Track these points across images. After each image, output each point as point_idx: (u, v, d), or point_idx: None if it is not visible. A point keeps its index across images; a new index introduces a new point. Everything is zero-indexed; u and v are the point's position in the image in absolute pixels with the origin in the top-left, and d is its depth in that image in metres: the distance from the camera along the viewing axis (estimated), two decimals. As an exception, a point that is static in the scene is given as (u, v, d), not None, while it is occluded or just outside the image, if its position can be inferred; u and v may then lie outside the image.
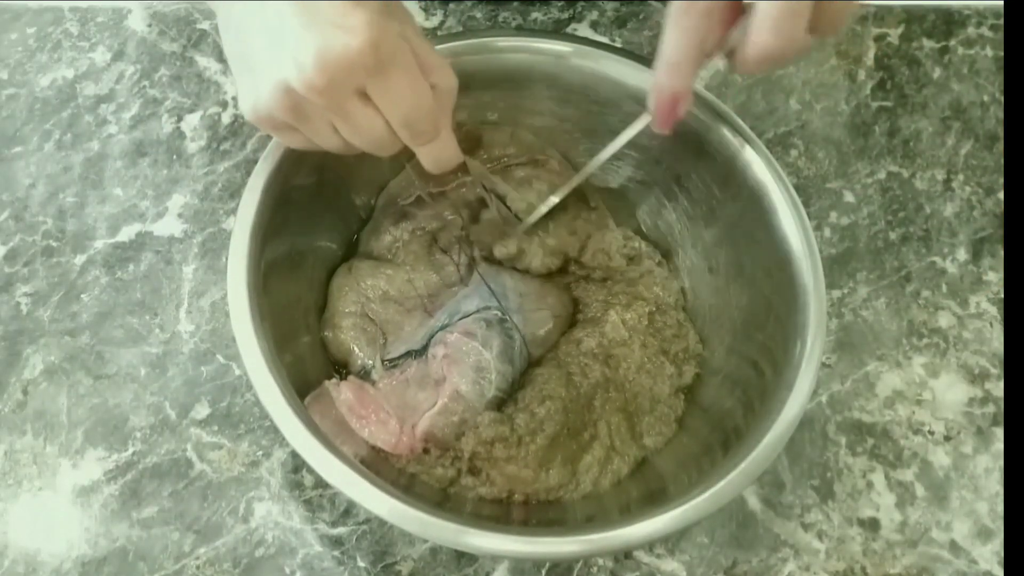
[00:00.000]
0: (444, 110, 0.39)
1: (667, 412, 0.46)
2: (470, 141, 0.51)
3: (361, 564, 0.45)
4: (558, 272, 0.51)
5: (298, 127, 0.36)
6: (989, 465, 0.49)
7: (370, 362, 0.45)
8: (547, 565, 0.46)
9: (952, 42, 0.64)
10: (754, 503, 0.48)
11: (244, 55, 0.36)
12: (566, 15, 0.63)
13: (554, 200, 0.48)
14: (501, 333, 0.45)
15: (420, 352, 0.46)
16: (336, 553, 0.45)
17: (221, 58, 0.60)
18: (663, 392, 0.47)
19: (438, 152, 0.40)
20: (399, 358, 0.46)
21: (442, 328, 0.46)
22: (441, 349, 0.45)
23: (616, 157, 0.51)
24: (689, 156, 0.48)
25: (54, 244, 0.53)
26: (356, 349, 0.46)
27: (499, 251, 0.48)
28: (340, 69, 0.32)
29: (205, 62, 0.60)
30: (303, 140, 0.38)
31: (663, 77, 0.38)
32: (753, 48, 0.33)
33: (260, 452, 0.48)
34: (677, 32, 0.36)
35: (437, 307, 0.48)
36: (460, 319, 0.46)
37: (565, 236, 0.49)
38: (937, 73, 0.63)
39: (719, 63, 0.61)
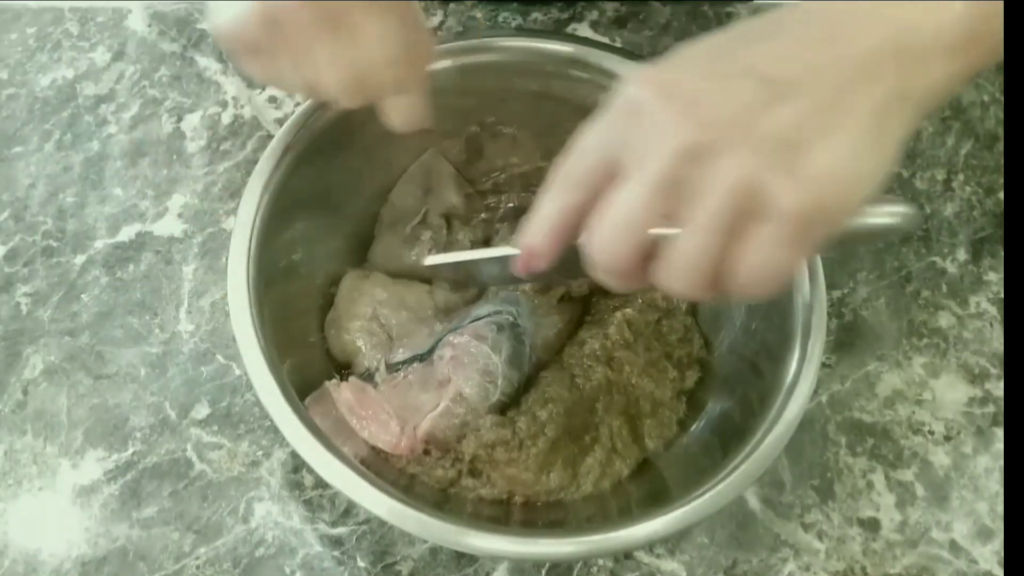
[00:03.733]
0: (417, 64, 0.38)
1: (668, 415, 0.46)
2: (472, 151, 0.51)
3: (361, 564, 0.45)
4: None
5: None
6: (989, 465, 0.49)
7: (375, 365, 0.45)
8: (547, 565, 0.46)
9: (952, 42, 0.64)
10: (754, 503, 0.48)
11: None
12: (566, 15, 0.63)
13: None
14: (512, 338, 0.45)
15: (425, 356, 0.46)
16: (336, 553, 0.45)
17: (221, 58, 0.60)
18: (665, 395, 0.46)
19: (404, 110, 0.38)
20: (403, 362, 0.46)
21: (450, 331, 0.46)
22: (448, 350, 0.45)
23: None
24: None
25: (54, 244, 0.53)
26: (364, 350, 0.46)
27: None
28: (277, 17, 0.33)
29: (205, 62, 0.60)
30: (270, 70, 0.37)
31: (532, 240, 0.32)
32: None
33: (260, 452, 0.48)
34: (555, 203, 0.31)
35: (450, 319, 0.47)
36: (471, 322, 0.46)
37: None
38: (937, 73, 0.63)
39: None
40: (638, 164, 0.28)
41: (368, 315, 0.46)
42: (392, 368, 0.45)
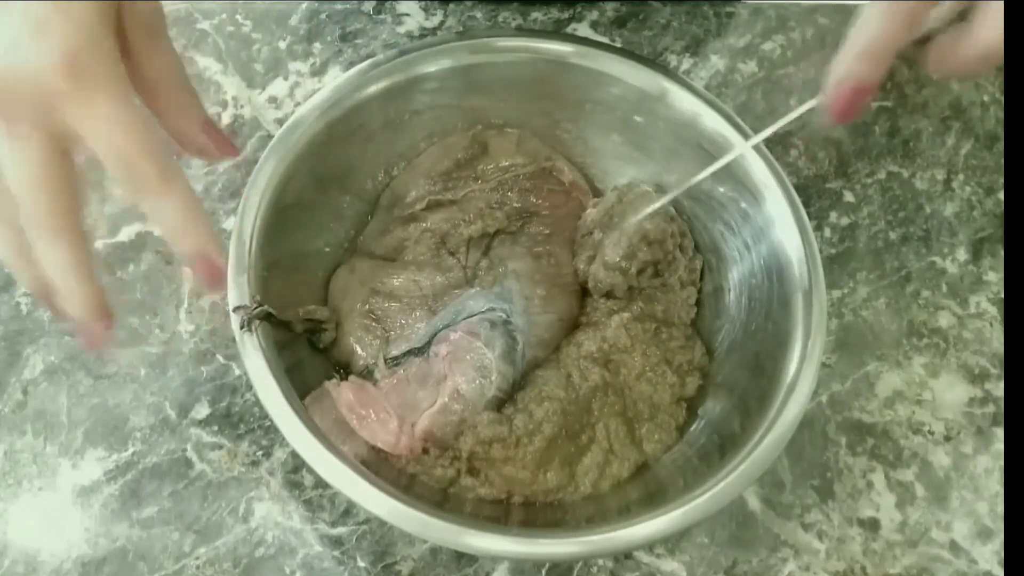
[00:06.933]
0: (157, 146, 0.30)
1: (667, 420, 0.46)
2: (477, 147, 0.51)
3: (361, 564, 0.45)
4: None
5: None
6: (989, 465, 0.49)
7: (372, 361, 0.45)
8: (547, 565, 0.46)
9: (952, 42, 0.64)
10: (754, 503, 0.48)
11: None
12: (566, 15, 0.63)
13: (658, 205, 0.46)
14: (504, 335, 0.45)
15: (422, 350, 0.46)
16: (336, 553, 0.45)
17: (221, 58, 0.60)
18: (664, 400, 0.46)
19: (171, 218, 0.31)
20: (401, 356, 0.46)
21: (445, 327, 0.46)
22: (444, 347, 0.45)
23: (616, 156, 0.52)
24: (689, 156, 0.48)
25: (54, 244, 0.53)
26: (358, 349, 0.46)
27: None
28: (20, 86, 0.26)
29: (205, 62, 0.60)
30: None
31: (860, 66, 0.33)
32: (975, 46, 0.31)
33: (260, 452, 0.48)
34: (887, 19, 0.32)
35: (441, 307, 0.48)
36: (464, 319, 0.46)
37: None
38: (937, 73, 0.63)
39: (718, 63, 0.61)
40: None
41: (359, 311, 0.46)
42: (391, 363, 0.45)
